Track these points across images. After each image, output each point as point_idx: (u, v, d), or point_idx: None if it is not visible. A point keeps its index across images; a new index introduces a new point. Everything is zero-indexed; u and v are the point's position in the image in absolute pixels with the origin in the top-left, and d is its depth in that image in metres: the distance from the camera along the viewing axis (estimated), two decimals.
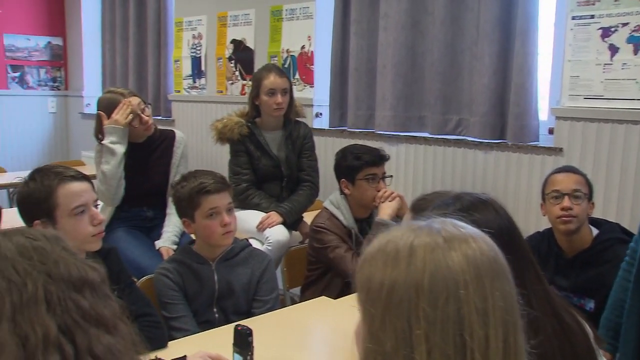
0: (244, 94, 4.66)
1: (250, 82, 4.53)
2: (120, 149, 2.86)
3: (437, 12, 3.50)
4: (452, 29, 3.47)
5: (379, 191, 2.60)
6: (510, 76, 3.23)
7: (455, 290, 0.86)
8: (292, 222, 3.22)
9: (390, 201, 2.57)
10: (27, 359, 0.85)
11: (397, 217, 2.59)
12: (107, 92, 3.06)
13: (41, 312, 0.87)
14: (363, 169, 2.60)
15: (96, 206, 1.94)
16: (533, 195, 3.17)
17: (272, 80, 3.25)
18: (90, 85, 6.60)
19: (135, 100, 2.93)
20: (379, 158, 2.64)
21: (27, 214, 1.88)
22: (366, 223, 2.71)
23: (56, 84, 6.87)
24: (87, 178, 1.94)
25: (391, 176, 2.72)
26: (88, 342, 0.90)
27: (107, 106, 2.94)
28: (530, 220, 3.08)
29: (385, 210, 2.55)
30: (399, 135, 3.74)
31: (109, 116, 2.90)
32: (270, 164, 3.31)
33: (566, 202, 2.24)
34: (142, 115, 2.93)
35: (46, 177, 1.86)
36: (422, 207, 1.67)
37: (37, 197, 1.84)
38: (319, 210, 2.83)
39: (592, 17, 2.94)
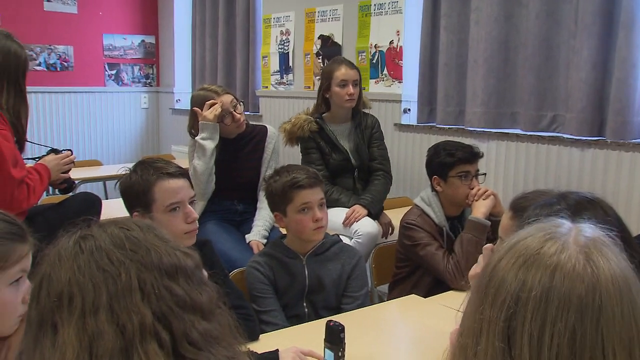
0: None
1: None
2: (211, 144, 2.92)
3: (531, 4, 3.39)
4: (548, 22, 3.35)
5: (472, 189, 2.54)
6: (612, 70, 3.08)
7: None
8: (375, 213, 3.22)
9: (484, 199, 2.50)
10: (125, 347, 0.87)
11: (491, 215, 2.52)
12: (200, 90, 3.14)
13: (136, 301, 0.89)
14: (456, 166, 2.54)
15: (192, 202, 1.97)
16: (634, 196, 3.02)
17: (343, 72, 3.29)
18: (181, 81, 6.80)
19: (227, 98, 2.99)
20: (473, 155, 2.57)
21: (128, 204, 1.96)
22: (457, 221, 2.65)
23: (149, 81, 7.12)
24: (185, 175, 1.98)
25: (484, 174, 2.65)
26: (184, 329, 0.91)
27: (200, 103, 3.01)
28: (631, 223, 2.92)
29: (480, 209, 2.48)
30: (490, 132, 3.65)
31: None
32: (340, 157, 3.33)
33: None
34: (234, 112, 2.98)
35: (146, 171, 1.92)
36: (523, 205, 1.61)
37: (136, 189, 1.91)
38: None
39: None
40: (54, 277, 0.91)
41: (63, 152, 2.90)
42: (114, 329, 0.87)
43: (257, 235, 2.90)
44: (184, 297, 0.93)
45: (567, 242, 0.87)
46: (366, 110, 3.50)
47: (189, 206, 1.94)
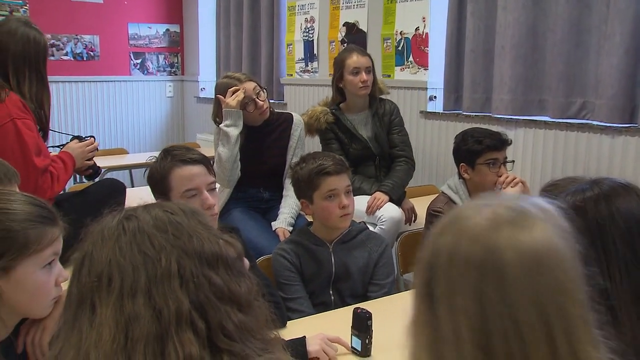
0: None
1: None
2: (234, 131, 2.92)
3: None
4: (578, 7, 3.28)
5: (499, 176, 2.51)
6: None
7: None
8: (397, 198, 3.20)
9: (512, 187, 2.47)
10: (161, 333, 0.87)
11: None
12: (224, 77, 3.14)
13: (175, 287, 0.90)
14: (484, 153, 2.51)
15: (213, 189, 1.97)
16: None
17: (355, 59, 3.26)
18: (205, 70, 6.82)
19: (250, 85, 2.98)
20: (501, 142, 2.54)
21: (153, 192, 1.97)
22: None
23: (173, 70, 7.15)
24: (203, 162, 1.97)
25: (513, 161, 2.62)
26: (220, 319, 0.91)
27: (224, 91, 3.01)
28: None
29: None
30: (517, 120, 3.60)
31: None
32: (360, 147, 3.31)
33: None
34: (257, 99, 2.98)
35: (164, 159, 1.93)
36: (553, 192, 1.59)
37: (155, 177, 1.92)
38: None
39: None
40: (95, 257, 0.92)
41: (86, 139, 2.92)
42: (150, 314, 0.88)
43: (283, 222, 2.90)
44: (222, 288, 0.93)
45: (484, 209, 0.86)
46: (384, 96, 3.46)
47: (206, 192, 1.94)
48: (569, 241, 0.85)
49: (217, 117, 3.05)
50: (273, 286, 2.11)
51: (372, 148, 3.32)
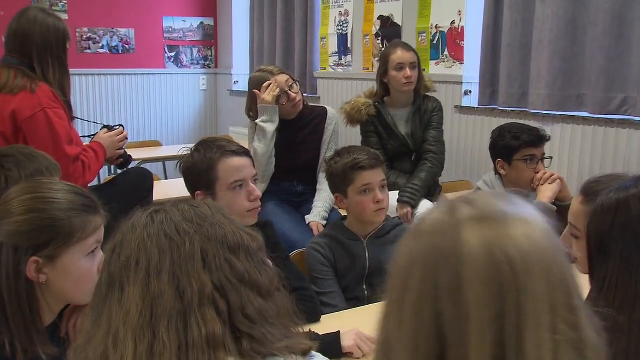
0: None
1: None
2: (271, 127, 2.92)
3: None
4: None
5: (537, 173, 2.47)
6: None
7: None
8: (418, 203, 3.11)
9: (550, 183, 2.42)
10: (184, 310, 0.92)
11: (557, 200, 2.44)
12: (257, 71, 3.14)
13: (198, 268, 0.94)
14: (521, 149, 2.47)
15: (255, 181, 1.97)
16: None
17: (399, 55, 3.21)
18: (239, 63, 6.84)
19: (282, 78, 2.98)
20: (539, 138, 2.50)
21: (190, 184, 1.97)
22: None
23: (207, 63, 7.19)
24: (248, 154, 1.98)
25: (551, 157, 2.57)
26: (240, 302, 0.95)
27: (257, 84, 3.01)
28: None
29: (545, 193, 2.41)
30: (554, 115, 3.53)
31: None
32: (398, 144, 3.28)
33: None
34: (290, 92, 2.97)
35: (209, 150, 1.92)
36: (595, 190, 1.55)
37: (199, 168, 1.91)
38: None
39: None
40: (125, 243, 0.98)
41: (115, 128, 2.95)
42: (173, 292, 0.93)
43: (317, 216, 2.90)
44: (243, 273, 0.97)
45: (447, 209, 0.83)
46: (430, 94, 3.41)
47: (252, 184, 1.94)
48: (547, 242, 0.80)
49: (251, 111, 3.05)
50: (307, 280, 2.10)
51: (410, 145, 3.29)
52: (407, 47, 3.29)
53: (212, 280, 0.95)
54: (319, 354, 1.03)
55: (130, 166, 3.17)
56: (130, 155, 3.09)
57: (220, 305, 0.93)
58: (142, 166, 3.97)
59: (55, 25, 2.70)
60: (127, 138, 3.01)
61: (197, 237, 0.97)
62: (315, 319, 1.94)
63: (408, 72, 3.19)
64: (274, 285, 1.03)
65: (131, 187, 2.91)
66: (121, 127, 2.97)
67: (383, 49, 3.43)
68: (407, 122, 3.32)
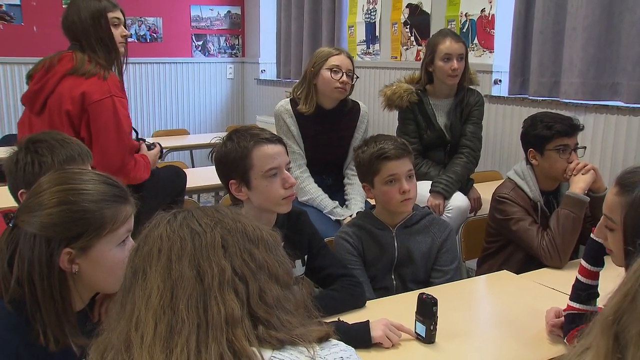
0: (419, 60, 4.55)
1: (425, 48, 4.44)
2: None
3: None
4: None
5: (570, 163, 2.41)
6: None
7: None
8: (450, 195, 3.07)
9: (583, 174, 2.37)
10: (204, 292, 0.94)
11: (590, 191, 2.39)
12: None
13: (218, 255, 0.97)
14: (554, 139, 2.41)
15: (289, 169, 1.96)
16: None
17: (448, 45, 3.12)
18: (266, 52, 6.84)
19: (346, 61, 2.94)
20: (572, 128, 2.43)
21: (223, 173, 1.95)
22: (553, 197, 2.53)
23: (234, 51, 7.20)
24: (281, 141, 1.95)
25: (584, 147, 2.51)
26: (259, 288, 0.97)
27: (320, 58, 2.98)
28: None
29: (578, 184, 2.35)
30: (587, 104, 3.47)
31: None
32: (434, 135, 3.22)
33: None
34: (345, 77, 2.90)
35: (243, 138, 1.90)
36: (631, 181, 1.52)
37: (233, 157, 1.89)
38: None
39: None
40: (149, 237, 1.01)
41: (153, 145, 3.01)
42: (194, 274, 0.95)
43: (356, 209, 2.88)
44: (262, 262, 1.00)
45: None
46: (473, 87, 3.32)
47: (286, 172, 1.92)
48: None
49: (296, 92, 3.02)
50: (348, 266, 2.09)
51: (446, 137, 3.23)
52: (457, 38, 3.18)
53: (232, 266, 0.97)
54: (341, 342, 1.03)
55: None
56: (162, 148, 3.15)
57: (239, 289, 0.96)
58: (174, 159, 4.03)
59: (89, 7, 2.72)
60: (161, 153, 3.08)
61: (218, 229, 1.00)
62: (362, 304, 1.93)
63: (455, 64, 3.10)
64: (292, 279, 1.04)
65: (165, 184, 2.95)
66: (158, 146, 3.03)
67: (431, 37, 3.32)
68: (447, 114, 3.24)
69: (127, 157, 2.72)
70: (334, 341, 1.02)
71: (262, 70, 6.89)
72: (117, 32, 2.79)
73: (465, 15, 4.20)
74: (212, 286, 0.95)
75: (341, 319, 1.74)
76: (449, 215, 2.93)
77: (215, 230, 1.00)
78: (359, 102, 3.13)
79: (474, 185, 3.29)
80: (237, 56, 7.22)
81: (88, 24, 2.69)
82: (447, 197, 3.03)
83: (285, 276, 1.02)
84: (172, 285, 0.95)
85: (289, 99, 3.03)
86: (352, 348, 1.03)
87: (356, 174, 2.44)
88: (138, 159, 2.80)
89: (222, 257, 0.97)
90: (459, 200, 3.01)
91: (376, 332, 1.66)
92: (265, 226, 1.08)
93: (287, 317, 0.98)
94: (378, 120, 4.85)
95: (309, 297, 1.07)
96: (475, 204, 3.20)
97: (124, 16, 2.85)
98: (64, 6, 6.01)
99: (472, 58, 4.15)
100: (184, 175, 3.21)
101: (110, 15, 2.75)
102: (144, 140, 3.02)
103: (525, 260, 2.46)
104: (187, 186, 3.25)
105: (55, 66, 2.70)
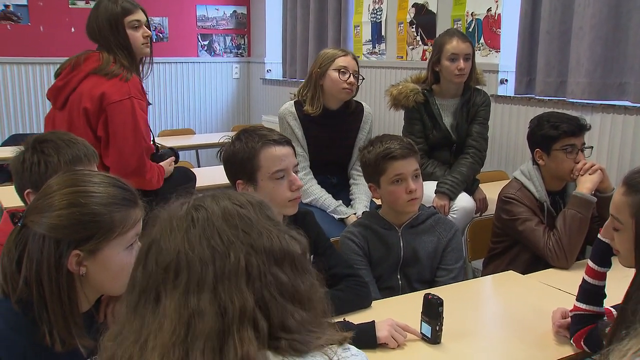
0: (425, 60, 4.55)
1: (432, 48, 4.42)
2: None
3: None
4: None
5: (577, 163, 2.40)
6: None
7: None
8: (456, 196, 3.06)
9: (590, 174, 2.36)
10: (222, 330, 0.88)
11: (597, 191, 2.38)
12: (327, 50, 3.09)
13: (241, 284, 0.90)
14: (561, 138, 2.40)
15: (296, 172, 1.95)
16: None
17: (454, 44, 3.11)
18: (271, 52, 6.84)
19: (352, 63, 2.97)
20: (579, 128, 2.42)
21: (231, 173, 1.96)
22: (559, 197, 2.52)
23: (240, 51, 7.20)
24: (289, 142, 1.95)
25: (592, 147, 2.50)
26: (282, 318, 0.91)
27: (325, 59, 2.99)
28: None
29: (585, 184, 2.34)
30: (594, 104, 3.45)
31: None
32: (440, 135, 3.21)
33: None
34: (352, 78, 2.92)
35: (251, 138, 1.90)
36: (638, 180, 1.51)
37: (241, 157, 1.89)
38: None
39: None
40: (164, 246, 0.93)
41: (166, 155, 3.02)
42: (215, 311, 0.88)
43: (361, 209, 2.88)
44: (287, 286, 0.93)
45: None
46: (480, 87, 3.30)
47: (294, 174, 1.92)
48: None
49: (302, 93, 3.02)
50: (354, 266, 2.09)
51: (452, 137, 3.22)
52: (464, 38, 3.16)
53: (255, 297, 0.91)
54: (353, 346, 1.00)
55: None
56: (177, 152, 3.16)
57: (260, 324, 0.90)
58: (181, 160, 4.04)
59: (106, 13, 2.74)
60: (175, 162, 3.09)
61: (242, 248, 0.92)
62: (368, 304, 1.93)
63: (462, 63, 3.09)
64: (315, 290, 0.99)
65: (175, 185, 2.96)
66: (173, 157, 3.04)
67: (438, 36, 3.30)
68: (453, 114, 3.23)
69: (143, 158, 2.74)
70: (346, 345, 0.99)
71: (267, 70, 6.88)
72: (139, 34, 2.80)
73: (472, 14, 4.18)
74: (233, 325, 0.88)
75: (346, 319, 1.74)
76: (455, 216, 2.93)
77: (239, 251, 0.92)
78: (363, 103, 3.14)
79: (480, 185, 3.28)
80: (242, 56, 7.23)
81: (106, 30, 2.73)
82: (452, 197, 3.02)
83: (308, 293, 0.97)
84: (189, 320, 0.88)
85: (293, 101, 3.03)
86: (363, 353, 1.01)
87: (362, 174, 2.43)
88: (153, 166, 2.83)
89: (245, 286, 0.90)
90: (464, 200, 3.01)
91: (382, 333, 1.65)
92: (291, 230, 1.02)
93: (309, 334, 0.94)
94: (383, 120, 4.85)
95: (325, 299, 1.01)
96: (481, 204, 3.19)
97: (145, 15, 2.86)
98: (70, 7, 6.03)
99: (478, 58, 4.13)
100: (194, 177, 3.22)
101: (129, 18, 2.77)
102: (158, 149, 3.03)
103: (532, 261, 2.46)
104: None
105: (81, 64, 2.74)
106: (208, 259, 0.91)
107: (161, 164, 2.93)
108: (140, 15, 2.82)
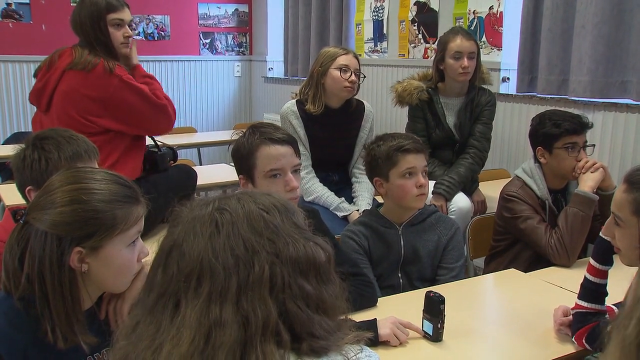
0: (427, 58, 4.55)
1: (433, 46, 4.42)
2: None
3: None
4: None
5: (579, 161, 2.40)
6: None
7: None
8: (452, 197, 3.06)
9: (592, 172, 2.36)
10: (244, 342, 0.85)
11: (599, 189, 2.38)
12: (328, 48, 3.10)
13: (264, 295, 0.88)
14: (562, 137, 2.40)
15: (298, 171, 1.94)
16: None
17: (458, 43, 3.10)
18: (273, 50, 6.83)
19: (354, 61, 2.99)
20: (581, 126, 2.42)
21: (236, 167, 1.98)
22: (561, 195, 2.52)
23: (242, 49, 7.20)
24: (291, 142, 1.93)
25: (593, 145, 2.50)
26: (308, 329, 0.89)
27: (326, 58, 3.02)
28: None
29: (587, 182, 2.34)
30: (596, 102, 3.44)
31: None
32: (443, 134, 3.20)
33: None
34: (353, 77, 2.92)
35: (253, 135, 1.90)
36: (639, 179, 1.51)
37: (241, 152, 1.90)
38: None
39: None
40: (186, 251, 0.91)
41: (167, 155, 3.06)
42: (237, 322, 0.86)
43: (366, 207, 2.88)
44: (312, 296, 0.91)
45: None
46: (485, 86, 3.29)
47: (290, 174, 1.89)
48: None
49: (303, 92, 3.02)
50: (359, 264, 2.09)
51: (455, 137, 3.22)
52: (468, 36, 3.15)
53: (279, 307, 0.88)
54: (366, 347, 0.98)
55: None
56: (176, 151, 3.17)
57: (283, 337, 0.87)
58: (182, 157, 4.04)
59: (89, 8, 2.70)
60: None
61: (267, 258, 0.90)
62: (373, 304, 1.92)
63: (465, 62, 3.08)
64: (339, 298, 0.97)
65: (175, 183, 2.96)
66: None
67: (442, 35, 3.29)
68: (457, 113, 3.22)
69: (169, 107, 2.86)
70: (360, 345, 0.97)
71: (269, 68, 6.88)
72: (119, 33, 2.75)
73: (474, 12, 4.18)
74: (255, 337, 0.85)
75: (348, 317, 1.74)
76: (452, 216, 2.92)
77: (264, 261, 0.89)
78: (364, 102, 3.14)
79: (479, 187, 3.27)
80: (244, 54, 7.22)
81: (87, 25, 2.69)
82: (448, 198, 3.02)
83: (332, 301, 0.94)
84: (209, 330, 0.85)
85: (295, 100, 3.03)
86: (377, 354, 0.98)
87: (364, 172, 2.43)
88: (166, 103, 2.88)
89: (268, 297, 0.88)
90: (461, 201, 3.01)
91: (383, 330, 1.65)
92: (317, 238, 0.98)
93: (332, 337, 0.92)
94: (386, 117, 4.85)
95: (344, 298, 0.99)
96: (479, 207, 3.18)
97: (130, 14, 2.83)
98: (72, 4, 6.03)
99: (481, 56, 4.13)
100: (195, 175, 3.22)
101: (112, 16, 2.72)
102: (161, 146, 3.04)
103: (533, 259, 2.46)
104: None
105: (55, 62, 2.71)
106: (232, 268, 0.88)
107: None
108: (124, 15, 2.76)
